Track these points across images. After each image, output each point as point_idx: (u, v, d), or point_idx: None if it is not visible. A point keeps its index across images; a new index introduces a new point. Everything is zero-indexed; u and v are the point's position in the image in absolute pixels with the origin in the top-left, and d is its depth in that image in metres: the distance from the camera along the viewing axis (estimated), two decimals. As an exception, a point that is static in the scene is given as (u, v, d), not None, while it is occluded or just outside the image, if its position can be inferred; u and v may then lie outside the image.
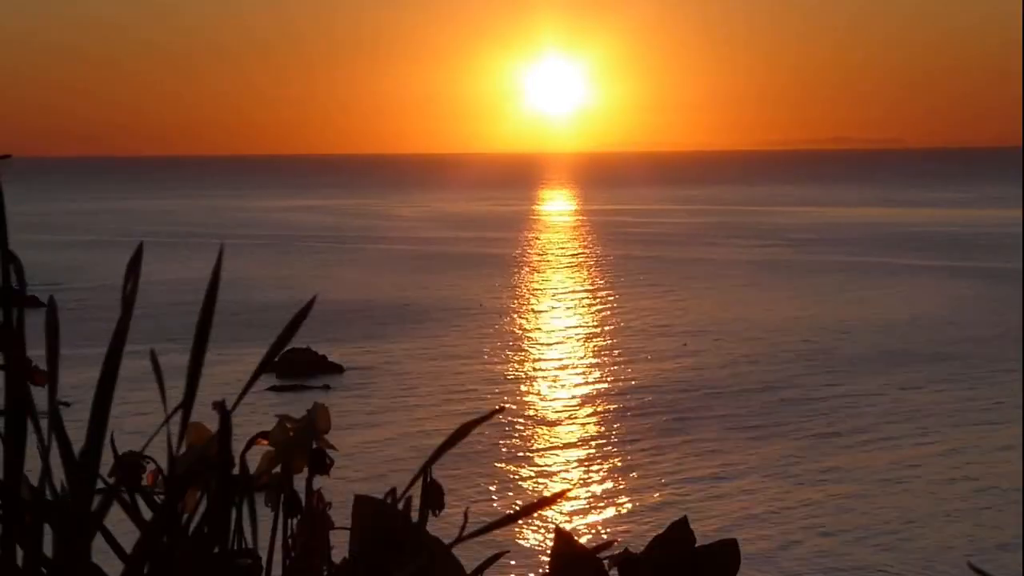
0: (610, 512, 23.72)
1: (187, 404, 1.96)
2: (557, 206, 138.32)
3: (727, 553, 2.64)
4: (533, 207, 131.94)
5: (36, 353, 2.01)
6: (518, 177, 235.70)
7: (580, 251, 79.14)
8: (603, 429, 30.03)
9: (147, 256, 2.01)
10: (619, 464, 27.00)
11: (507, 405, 30.82)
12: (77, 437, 1.96)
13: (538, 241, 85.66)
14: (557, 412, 31.65)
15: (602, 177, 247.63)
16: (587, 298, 54.85)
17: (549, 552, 2.64)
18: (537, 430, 29.60)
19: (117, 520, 2.06)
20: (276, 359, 2.27)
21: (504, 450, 27.35)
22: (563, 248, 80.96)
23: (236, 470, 2.11)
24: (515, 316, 48.14)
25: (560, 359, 39.14)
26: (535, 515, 19.94)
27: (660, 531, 2.69)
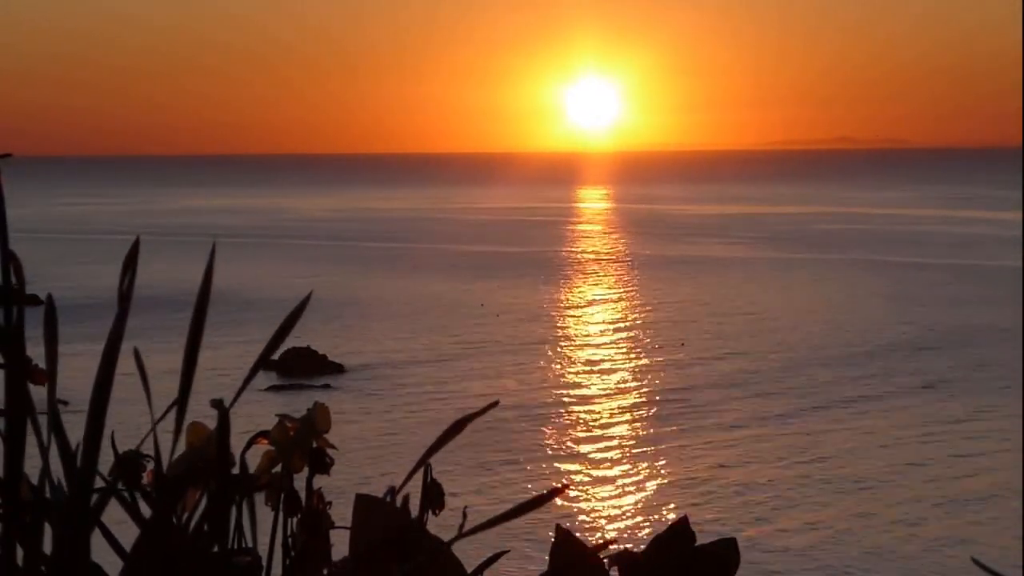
0: (609, 510, 23.73)
1: (182, 401, 1.96)
2: (568, 204, 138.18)
3: (727, 551, 2.64)
4: (543, 206, 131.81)
5: (35, 351, 2.01)
6: (548, 177, 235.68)
7: (582, 250, 79.15)
8: (602, 427, 30.04)
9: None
10: (618, 463, 27.01)
11: (507, 402, 30.82)
12: (76, 435, 1.96)
13: (541, 240, 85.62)
14: (556, 410, 31.65)
15: (617, 175, 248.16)
16: (587, 297, 54.86)
17: (549, 551, 2.64)
18: (536, 428, 29.60)
19: (118, 519, 2.06)
20: (274, 356, 2.27)
21: (503, 448, 27.35)
22: (566, 247, 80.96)
23: (236, 469, 2.11)
24: (515, 315, 48.14)
25: (560, 357, 39.14)
26: (535, 514, 19.96)
27: (660, 530, 2.69)
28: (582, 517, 23.15)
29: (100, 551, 2.03)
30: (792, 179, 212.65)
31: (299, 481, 2.29)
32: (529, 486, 24.77)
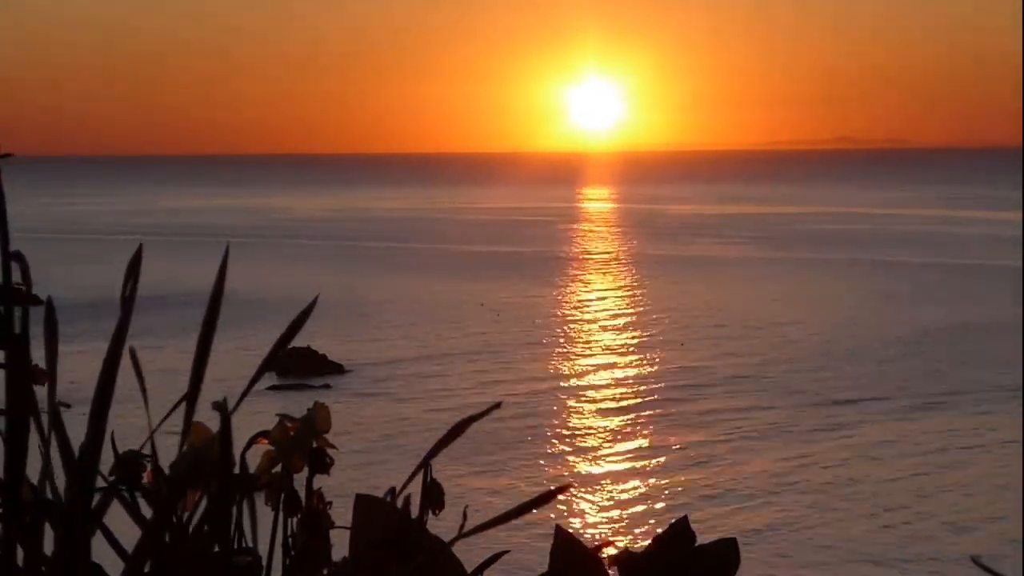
0: (609, 510, 23.73)
1: (191, 397, 1.96)
2: (569, 204, 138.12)
3: (727, 552, 2.65)
4: (544, 206, 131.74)
5: (35, 351, 2.01)
6: (549, 177, 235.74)
7: (582, 250, 79.14)
8: (602, 427, 30.04)
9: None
10: (618, 463, 27.01)
11: (507, 402, 30.83)
12: (77, 435, 1.96)
13: (542, 240, 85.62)
14: (556, 410, 31.65)
15: (619, 175, 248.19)
16: (586, 297, 54.86)
17: (549, 552, 2.64)
18: (537, 428, 29.60)
19: (118, 519, 2.06)
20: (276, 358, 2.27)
21: (504, 448, 27.35)
22: (567, 247, 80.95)
23: (236, 469, 2.12)
24: (515, 314, 48.15)
25: (559, 357, 39.14)
26: (535, 513, 19.96)
27: (661, 530, 2.69)
28: (581, 516, 23.15)
29: (101, 552, 2.03)
30: (792, 179, 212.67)
31: (299, 481, 2.29)
32: (530, 484, 24.78)
